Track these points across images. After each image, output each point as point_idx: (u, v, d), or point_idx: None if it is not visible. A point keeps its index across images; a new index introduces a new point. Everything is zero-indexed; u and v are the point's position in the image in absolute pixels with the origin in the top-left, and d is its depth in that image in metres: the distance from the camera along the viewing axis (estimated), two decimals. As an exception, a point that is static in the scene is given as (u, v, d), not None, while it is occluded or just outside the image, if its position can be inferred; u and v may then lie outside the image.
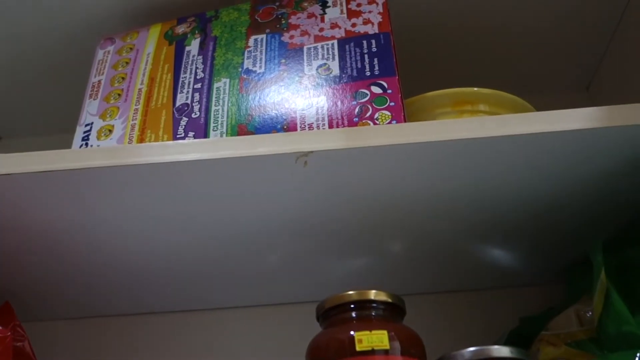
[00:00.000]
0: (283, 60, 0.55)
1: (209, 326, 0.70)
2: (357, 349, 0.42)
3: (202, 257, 0.59)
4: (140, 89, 0.57)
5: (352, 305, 0.46)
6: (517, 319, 0.64)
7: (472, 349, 0.44)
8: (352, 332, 0.43)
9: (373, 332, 0.43)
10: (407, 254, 0.61)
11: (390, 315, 0.46)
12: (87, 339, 0.70)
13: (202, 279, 0.64)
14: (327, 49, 0.54)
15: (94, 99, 0.58)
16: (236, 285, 0.66)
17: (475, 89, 0.57)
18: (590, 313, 0.51)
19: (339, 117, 0.50)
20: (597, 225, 0.58)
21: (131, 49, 0.61)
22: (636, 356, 0.44)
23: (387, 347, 0.42)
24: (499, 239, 0.60)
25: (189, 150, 0.46)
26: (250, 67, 0.55)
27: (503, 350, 0.44)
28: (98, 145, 0.54)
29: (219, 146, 0.46)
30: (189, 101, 0.54)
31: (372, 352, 0.42)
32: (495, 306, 0.68)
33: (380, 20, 0.55)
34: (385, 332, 0.43)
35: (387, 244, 0.60)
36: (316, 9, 0.58)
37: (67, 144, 0.70)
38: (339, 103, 0.51)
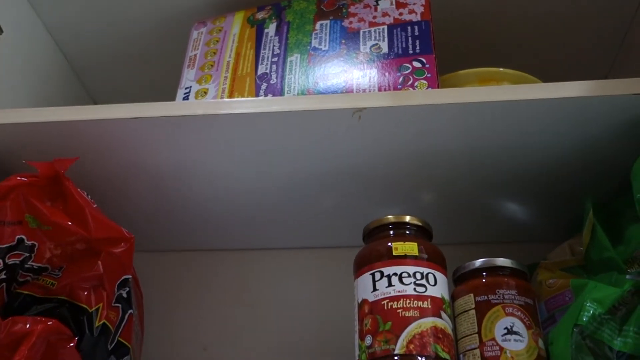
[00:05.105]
0: (343, 41, 0.69)
1: (267, 264, 0.84)
2: (393, 254, 0.56)
3: (270, 199, 0.73)
4: (228, 62, 0.72)
5: (390, 226, 0.59)
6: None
7: (481, 260, 0.57)
8: (389, 243, 0.57)
9: (406, 242, 0.56)
10: (436, 204, 0.74)
11: (420, 235, 0.59)
12: (172, 272, 0.85)
13: (267, 221, 0.78)
14: (379, 32, 0.68)
15: (192, 68, 0.73)
16: (293, 227, 0.80)
17: (500, 69, 0.70)
18: (581, 248, 0.63)
19: (386, 85, 0.64)
20: (594, 186, 0.69)
21: (220, 30, 0.76)
22: (612, 276, 0.56)
23: (417, 254, 0.56)
24: (515, 196, 0.73)
25: (272, 103, 0.60)
26: (317, 46, 0.69)
27: (506, 261, 0.57)
28: (196, 103, 0.69)
29: (294, 101, 0.60)
30: (267, 71, 0.69)
31: (405, 257, 0.56)
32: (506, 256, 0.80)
33: (423, 10, 0.69)
34: (415, 243, 0.56)
35: (419, 195, 0.73)
36: (371, 0, 0.72)
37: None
38: (386, 74, 0.64)
